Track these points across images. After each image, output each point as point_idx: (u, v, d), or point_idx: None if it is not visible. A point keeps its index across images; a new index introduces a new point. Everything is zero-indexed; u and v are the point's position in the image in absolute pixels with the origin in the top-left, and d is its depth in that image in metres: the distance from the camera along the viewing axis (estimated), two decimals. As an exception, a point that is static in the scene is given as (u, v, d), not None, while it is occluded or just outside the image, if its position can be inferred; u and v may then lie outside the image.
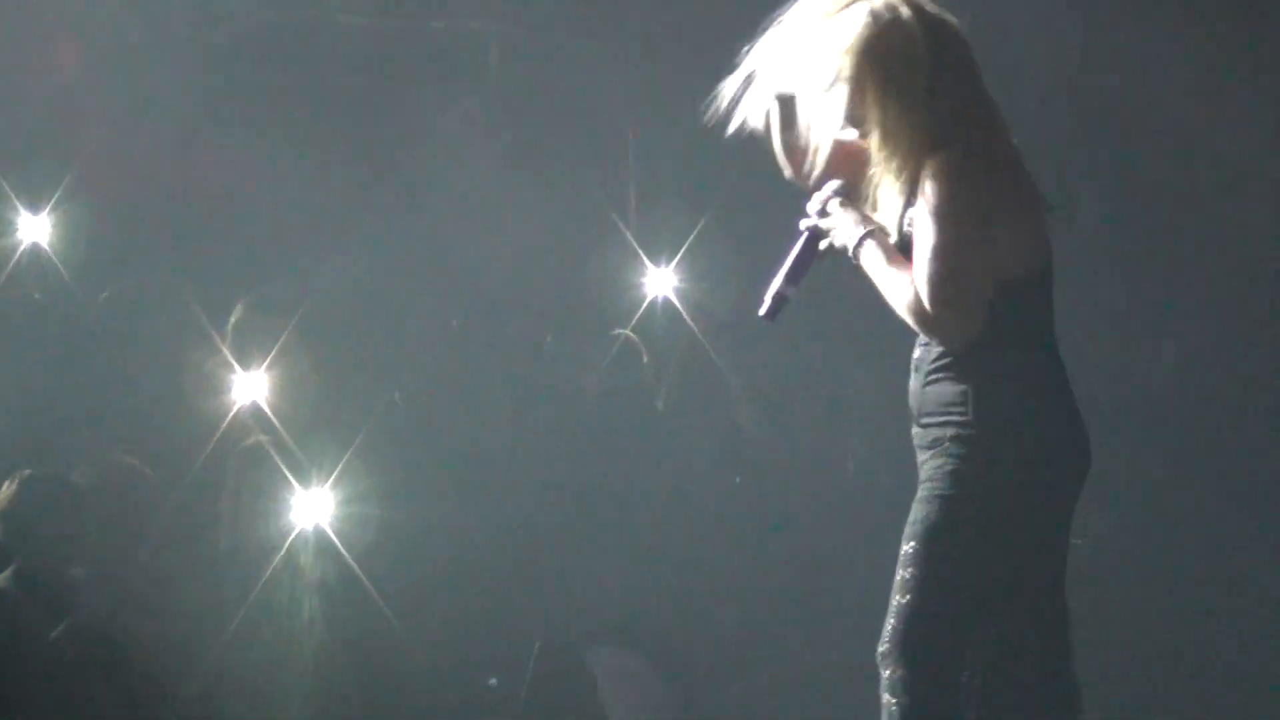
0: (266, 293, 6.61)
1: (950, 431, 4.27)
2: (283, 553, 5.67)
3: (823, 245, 4.38)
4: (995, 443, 4.23)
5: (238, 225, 7.30)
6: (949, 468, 4.26)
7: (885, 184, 4.29)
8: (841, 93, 4.23)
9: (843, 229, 4.33)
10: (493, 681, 6.30)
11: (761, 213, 7.39)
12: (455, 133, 7.74)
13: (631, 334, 7.12)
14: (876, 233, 4.30)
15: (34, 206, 6.87)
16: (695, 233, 7.18)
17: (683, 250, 7.21)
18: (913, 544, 4.28)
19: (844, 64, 4.21)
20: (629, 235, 7.39)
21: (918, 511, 4.30)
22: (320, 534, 5.81)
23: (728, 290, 7.18)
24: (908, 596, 4.25)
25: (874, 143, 4.26)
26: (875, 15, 4.22)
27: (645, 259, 7.29)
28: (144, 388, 6.33)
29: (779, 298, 4.37)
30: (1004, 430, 4.24)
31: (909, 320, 4.23)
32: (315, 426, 5.95)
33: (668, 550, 6.75)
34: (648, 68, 7.61)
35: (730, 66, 4.27)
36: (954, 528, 4.24)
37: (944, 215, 4.15)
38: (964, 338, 4.20)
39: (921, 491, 4.31)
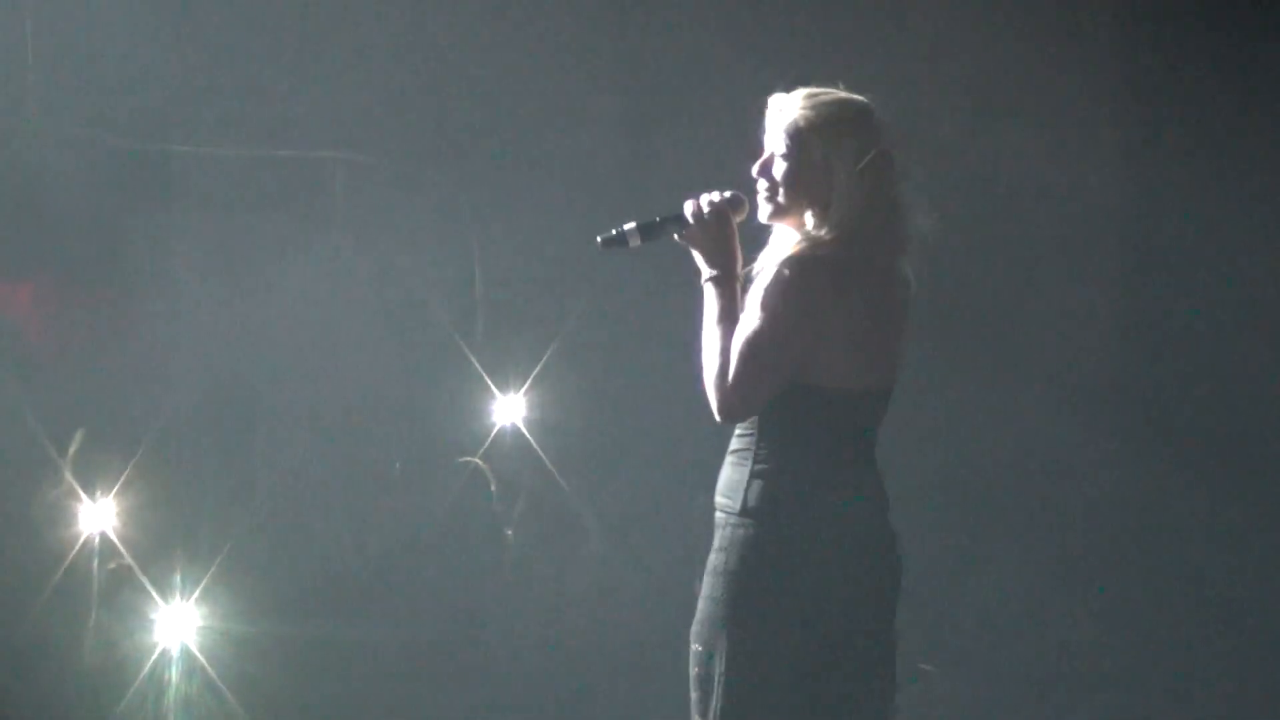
0: (109, 421, 6.68)
1: (724, 518, 4.52)
2: (146, 671, 5.73)
3: (678, 236, 4.59)
4: (762, 531, 4.44)
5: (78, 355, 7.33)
6: (720, 557, 4.50)
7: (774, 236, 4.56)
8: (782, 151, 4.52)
9: (705, 253, 4.55)
10: None
11: (610, 342, 7.65)
12: (300, 257, 7.81)
13: (480, 461, 7.26)
14: (723, 279, 4.51)
15: None
16: (543, 360, 7.35)
17: (531, 377, 7.35)
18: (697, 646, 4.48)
19: (789, 131, 4.51)
20: (475, 362, 7.51)
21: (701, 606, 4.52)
22: (185, 651, 5.88)
23: (576, 418, 7.37)
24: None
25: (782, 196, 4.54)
26: (820, 100, 4.52)
27: (493, 386, 7.42)
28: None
29: (620, 236, 4.58)
30: (773, 518, 4.44)
31: (706, 371, 4.45)
32: (168, 550, 6.02)
33: (517, 681, 6.87)
34: (495, 189, 7.74)
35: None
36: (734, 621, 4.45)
37: (774, 306, 4.37)
38: (729, 418, 4.43)
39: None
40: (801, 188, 4.50)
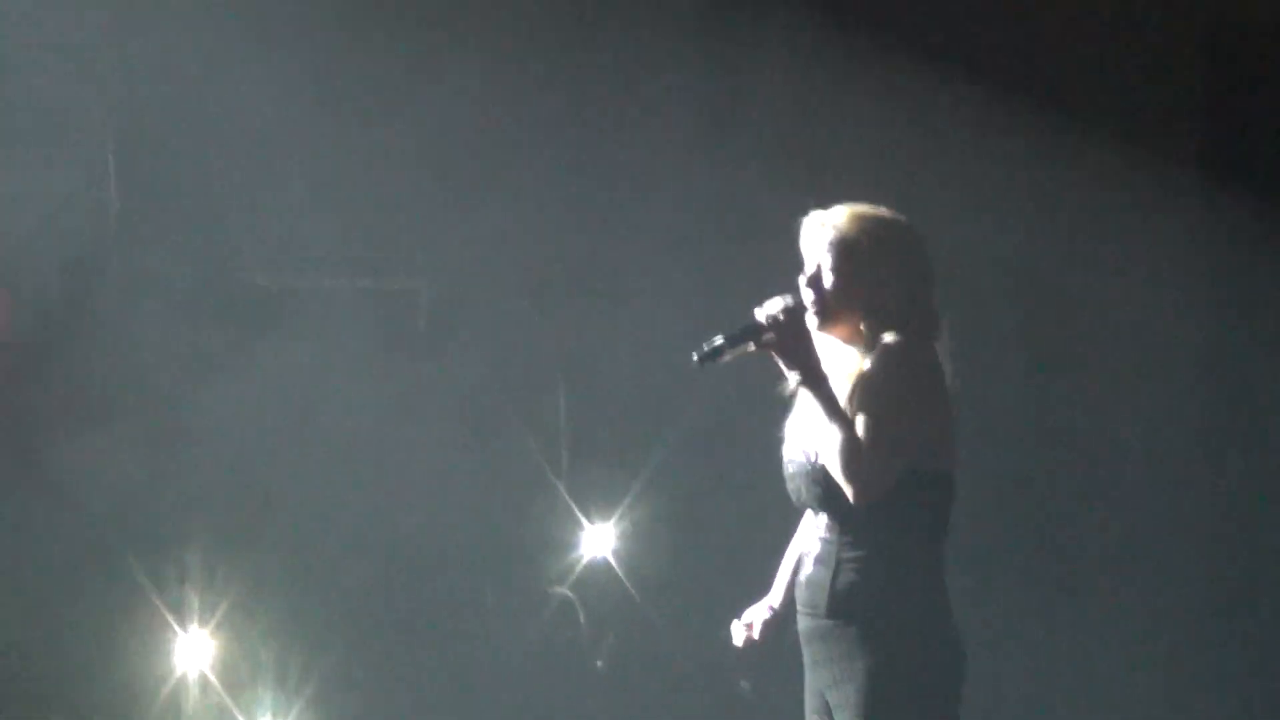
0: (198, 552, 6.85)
1: (869, 626, 4.62)
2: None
3: (757, 345, 4.73)
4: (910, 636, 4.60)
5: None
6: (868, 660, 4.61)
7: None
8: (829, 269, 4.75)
9: (788, 354, 4.70)
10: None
11: (696, 469, 7.76)
12: (384, 387, 7.94)
13: (569, 592, 7.37)
14: (814, 377, 4.67)
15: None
16: (633, 492, 7.46)
17: (621, 508, 7.47)
18: None
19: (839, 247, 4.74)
20: (564, 492, 7.62)
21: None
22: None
23: (664, 549, 7.49)
24: None
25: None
26: (868, 217, 4.77)
27: (581, 516, 7.53)
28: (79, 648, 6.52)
29: (714, 351, 4.72)
30: (918, 625, 4.61)
31: (837, 458, 4.58)
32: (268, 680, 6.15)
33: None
34: (575, 315, 7.89)
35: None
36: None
37: (894, 388, 4.60)
38: (867, 498, 4.55)
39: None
40: (853, 299, 4.73)
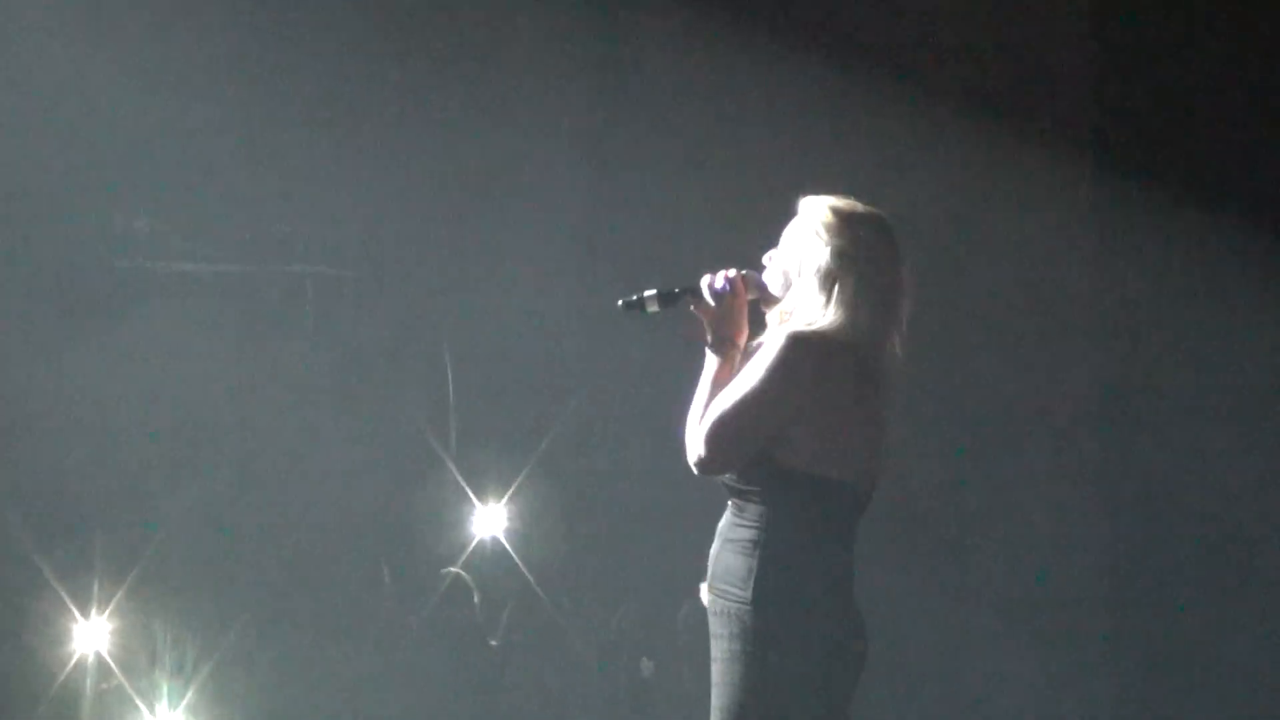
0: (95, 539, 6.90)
1: (728, 607, 4.74)
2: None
3: (692, 306, 4.92)
4: (772, 618, 4.70)
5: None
6: (736, 644, 4.73)
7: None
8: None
9: (714, 322, 4.90)
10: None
11: (589, 450, 7.86)
12: (272, 370, 7.97)
13: (462, 571, 7.46)
14: (725, 347, 4.87)
15: None
16: (525, 472, 7.57)
17: (513, 489, 7.57)
18: None
19: (806, 233, 4.84)
20: (455, 471, 7.70)
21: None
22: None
23: (556, 529, 7.60)
24: None
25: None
26: (839, 210, 4.86)
27: (473, 497, 7.63)
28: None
29: (639, 301, 4.94)
30: (781, 607, 4.71)
31: (687, 421, 4.80)
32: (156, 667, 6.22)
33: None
34: (467, 308, 7.95)
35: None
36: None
37: (762, 373, 4.70)
38: (701, 469, 4.74)
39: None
40: (808, 284, 4.82)
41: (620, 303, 4.97)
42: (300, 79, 7.68)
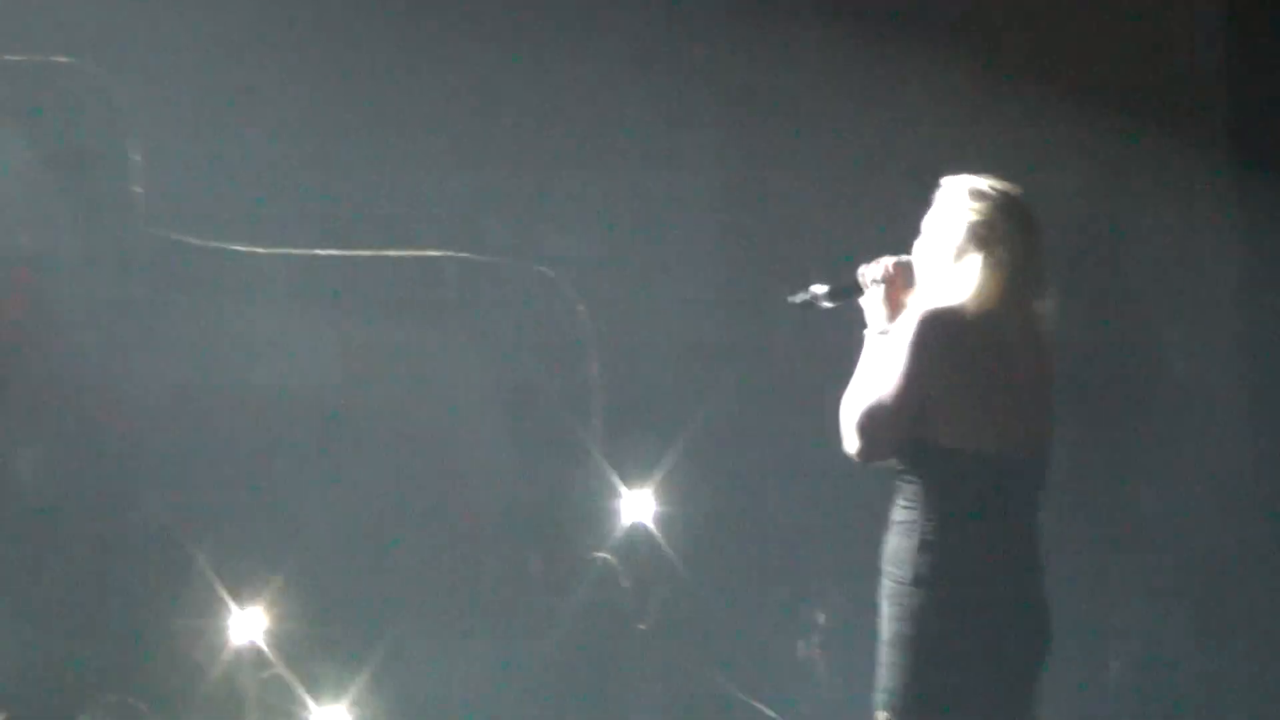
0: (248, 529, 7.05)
1: (893, 588, 4.84)
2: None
3: (860, 299, 5.04)
4: (934, 598, 4.78)
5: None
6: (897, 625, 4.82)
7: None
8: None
9: (871, 311, 5.01)
10: None
11: (733, 432, 7.92)
12: (426, 360, 8.08)
13: (610, 557, 7.54)
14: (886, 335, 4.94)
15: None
16: (672, 457, 7.63)
17: (661, 474, 7.64)
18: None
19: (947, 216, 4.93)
20: (601, 458, 7.78)
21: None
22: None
23: (706, 514, 7.67)
24: None
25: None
26: (975, 190, 4.93)
27: (619, 483, 7.71)
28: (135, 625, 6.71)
29: (812, 299, 5.12)
30: (941, 587, 4.79)
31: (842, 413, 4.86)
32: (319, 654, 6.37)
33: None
34: (609, 295, 8.03)
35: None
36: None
37: (895, 358, 4.80)
38: (858, 457, 4.84)
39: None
40: (944, 262, 4.88)
41: (795, 299, 5.05)
42: (439, 63, 7.78)
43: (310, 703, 6.29)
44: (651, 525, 7.58)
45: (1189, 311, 7.96)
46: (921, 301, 4.88)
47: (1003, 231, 4.86)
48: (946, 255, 4.90)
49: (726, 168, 8.01)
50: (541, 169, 7.88)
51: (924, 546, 4.79)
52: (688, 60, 7.95)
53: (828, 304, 5.06)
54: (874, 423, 4.80)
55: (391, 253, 7.97)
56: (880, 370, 4.83)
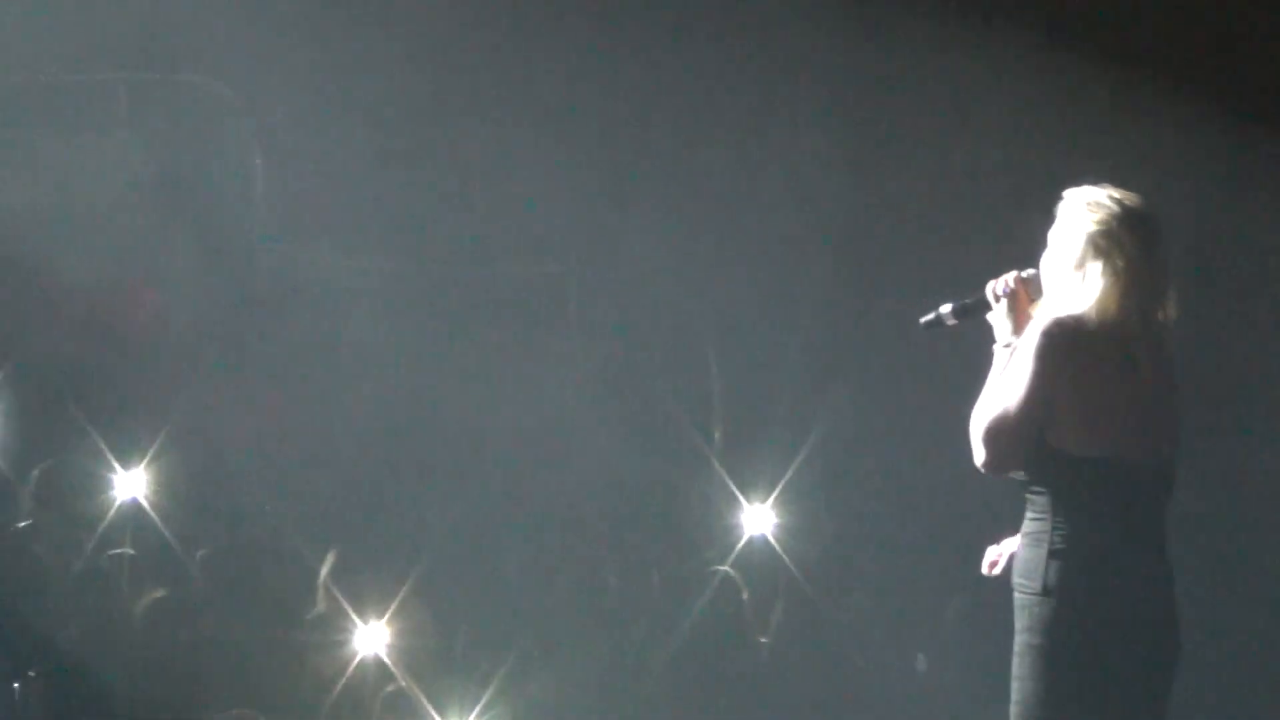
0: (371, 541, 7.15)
1: (1023, 600, 4.82)
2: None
3: (988, 314, 5.01)
4: (1063, 608, 4.75)
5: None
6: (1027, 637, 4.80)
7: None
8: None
9: (998, 325, 4.99)
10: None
11: (851, 445, 7.96)
12: (547, 373, 8.16)
13: (731, 570, 7.59)
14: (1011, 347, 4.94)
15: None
16: (791, 470, 7.68)
17: (779, 487, 7.69)
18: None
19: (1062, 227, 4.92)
20: (722, 471, 7.83)
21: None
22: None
23: (824, 527, 7.71)
24: None
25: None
26: (1091, 200, 4.92)
27: (740, 496, 7.76)
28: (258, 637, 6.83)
29: (939, 318, 5.05)
30: (1071, 596, 4.75)
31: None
32: (442, 668, 6.46)
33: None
34: (728, 309, 8.08)
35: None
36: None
37: (1017, 368, 4.80)
38: (985, 469, 4.81)
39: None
40: (1066, 272, 4.91)
41: (921, 321, 5.08)
42: (547, 81, 7.87)
43: (435, 716, 6.37)
44: (771, 538, 7.63)
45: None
46: (1044, 312, 4.92)
47: (1121, 240, 4.87)
48: (1068, 266, 4.93)
49: (844, 182, 8.04)
50: (656, 186, 7.94)
51: (1053, 556, 4.79)
52: (795, 68, 8.00)
53: (954, 321, 5.09)
54: (999, 433, 4.83)
55: (511, 268, 8.07)
56: (1005, 382, 4.86)
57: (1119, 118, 7.81)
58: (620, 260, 8.05)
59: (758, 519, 7.70)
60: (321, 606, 6.81)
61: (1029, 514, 4.90)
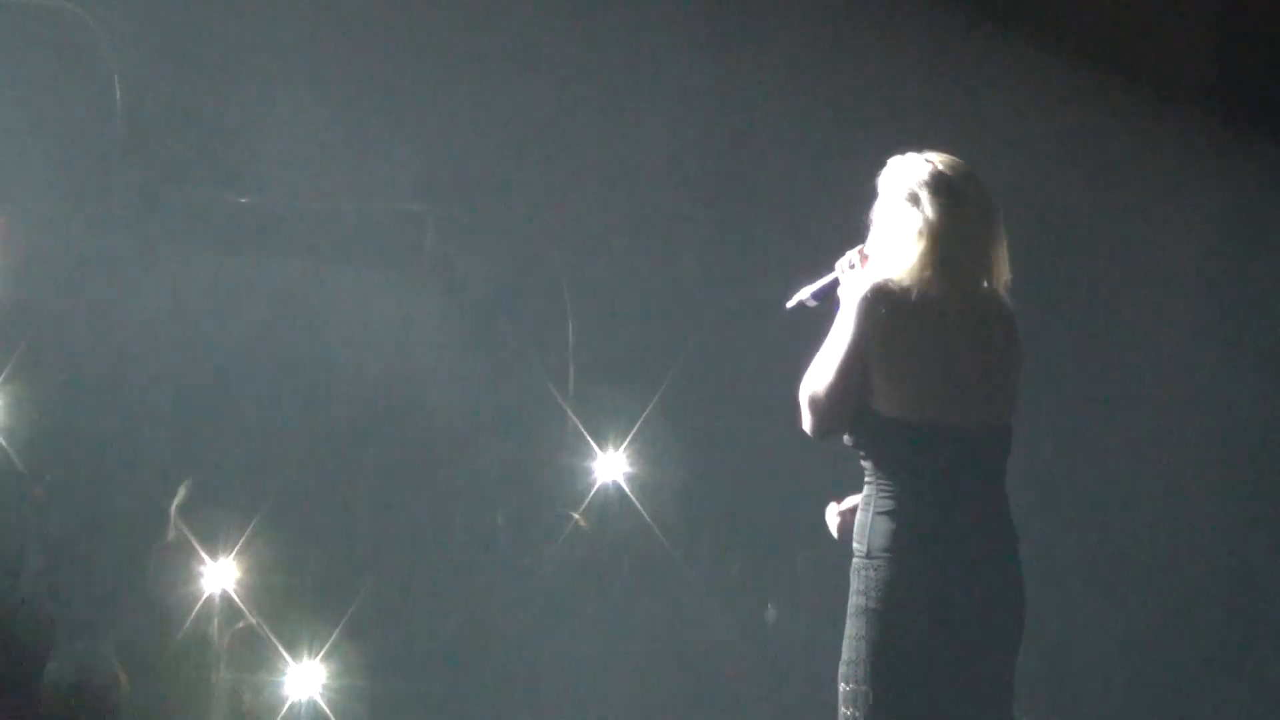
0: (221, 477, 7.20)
1: (854, 562, 4.90)
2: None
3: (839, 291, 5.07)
4: (890, 570, 4.84)
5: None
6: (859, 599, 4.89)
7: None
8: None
9: (845, 299, 4.99)
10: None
11: (705, 393, 8.06)
12: (391, 312, 8.19)
13: (581, 517, 7.69)
14: None
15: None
16: (643, 417, 7.78)
17: (632, 435, 7.82)
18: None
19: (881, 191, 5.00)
20: (575, 418, 7.92)
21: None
22: (313, 706, 6.41)
23: (677, 475, 7.82)
24: None
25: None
26: (910, 162, 5.01)
27: (593, 443, 7.90)
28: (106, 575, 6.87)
29: (800, 303, 5.13)
30: (897, 557, 4.84)
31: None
32: (291, 608, 6.53)
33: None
34: (583, 254, 8.16)
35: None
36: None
37: (834, 333, 4.88)
38: (811, 432, 4.91)
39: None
40: (888, 238, 5.01)
41: (790, 304, 5.18)
42: (408, 15, 7.91)
43: (285, 654, 6.45)
44: (624, 485, 7.73)
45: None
46: (862, 278, 5.00)
47: (924, 202, 4.91)
48: (885, 232, 5.02)
49: (705, 119, 8.13)
50: (512, 118, 8.00)
51: (878, 519, 4.87)
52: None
53: (815, 303, 5.17)
54: (820, 399, 4.90)
55: (366, 204, 8.07)
56: (826, 348, 4.96)
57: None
58: (479, 203, 8.09)
59: (610, 466, 7.79)
60: (171, 540, 6.85)
61: (864, 479, 5.02)
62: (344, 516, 7.40)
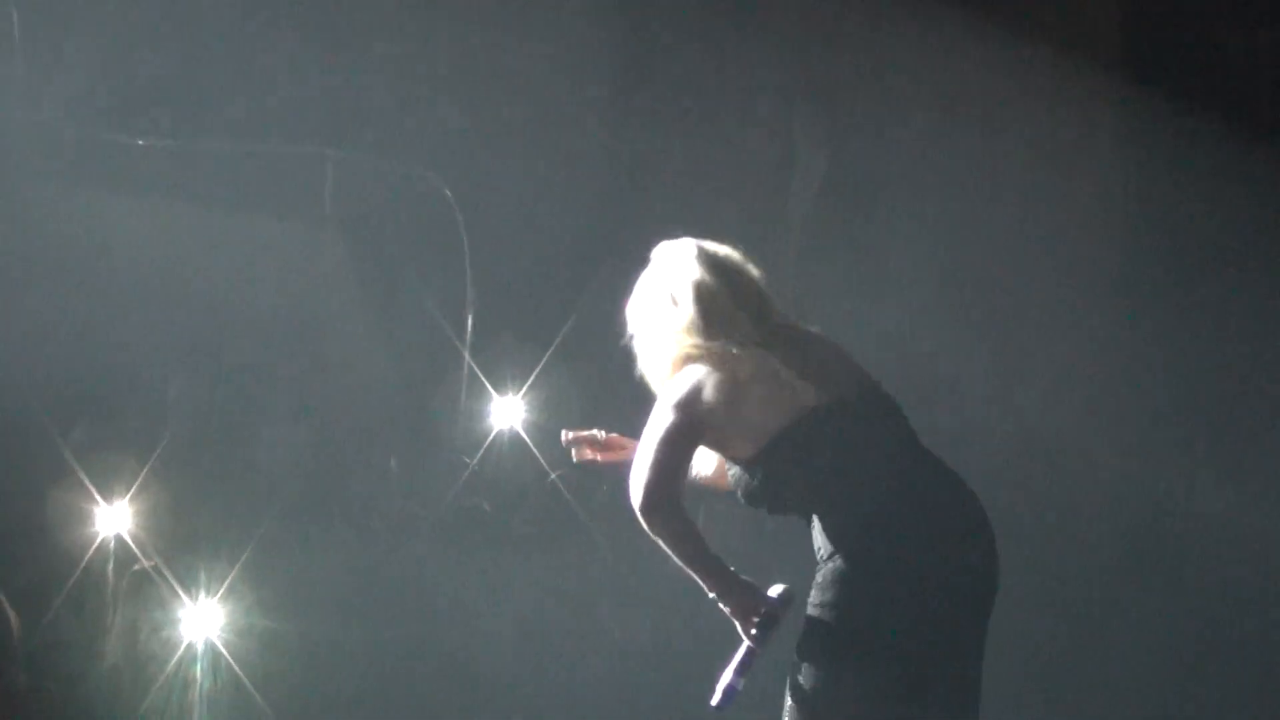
0: (116, 423, 7.25)
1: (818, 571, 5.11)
2: (172, 665, 6.35)
3: (762, 650, 5.10)
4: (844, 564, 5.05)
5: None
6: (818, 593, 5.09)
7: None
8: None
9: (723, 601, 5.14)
10: None
11: (605, 337, 8.14)
12: (289, 254, 8.24)
13: (467, 459, 7.78)
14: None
15: None
16: (541, 364, 7.89)
17: (530, 380, 7.94)
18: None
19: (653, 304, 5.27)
20: (472, 364, 8.00)
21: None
22: (210, 647, 6.51)
23: (574, 421, 7.90)
24: None
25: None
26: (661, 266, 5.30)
27: (490, 389, 8.01)
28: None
29: (730, 690, 5.06)
30: (848, 550, 5.06)
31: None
32: (188, 550, 6.60)
33: (518, 679, 7.49)
34: (487, 186, 8.25)
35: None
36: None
37: (653, 429, 5.17)
38: (639, 511, 5.15)
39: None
40: (659, 334, 5.30)
41: (713, 704, 5.09)
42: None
43: (183, 595, 6.52)
44: (521, 431, 7.82)
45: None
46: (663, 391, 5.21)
47: (678, 284, 5.21)
48: (659, 328, 5.27)
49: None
50: (420, 69, 8.06)
51: (824, 526, 5.10)
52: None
53: (741, 684, 5.06)
54: (635, 483, 5.13)
55: (265, 145, 8.09)
56: (648, 459, 5.12)
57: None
58: (380, 145, 8.15)
59: (508, 412, 7.88)
60: (64, 484, 6.90)
61: (809, 529, 5.18)
62: (240, 458, 7.45)
